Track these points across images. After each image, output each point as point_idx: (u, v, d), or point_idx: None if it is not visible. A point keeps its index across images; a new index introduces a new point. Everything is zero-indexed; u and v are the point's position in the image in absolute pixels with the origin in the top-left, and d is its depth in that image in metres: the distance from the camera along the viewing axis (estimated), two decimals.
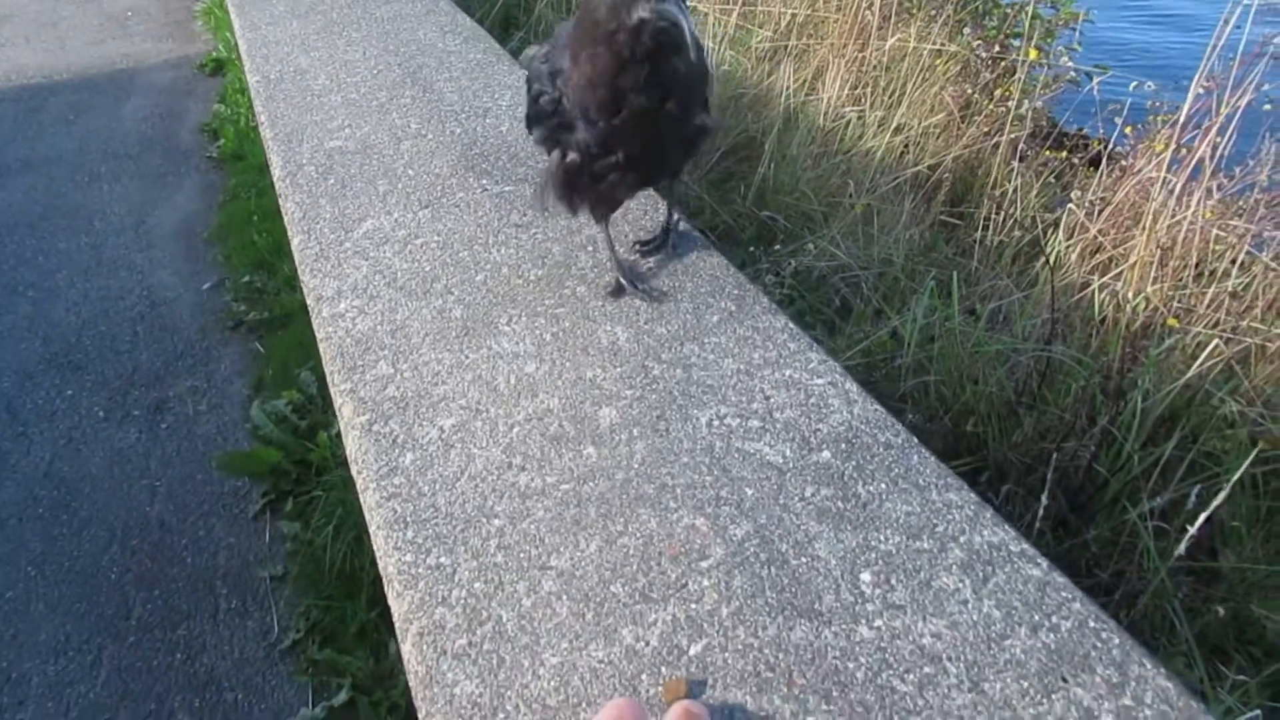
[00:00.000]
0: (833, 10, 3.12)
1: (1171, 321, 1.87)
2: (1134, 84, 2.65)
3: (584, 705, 0.69)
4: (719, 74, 2.92)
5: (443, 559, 0.82)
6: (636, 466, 0.90)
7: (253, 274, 2.82)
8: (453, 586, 0.79)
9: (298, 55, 1.96)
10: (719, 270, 1.20)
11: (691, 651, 0.72)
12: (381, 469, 0.92)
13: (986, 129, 2.90)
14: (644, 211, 1.33)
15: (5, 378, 2.47)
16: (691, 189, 2.55)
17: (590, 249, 1.24)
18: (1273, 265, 1.97)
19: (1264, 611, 1.42)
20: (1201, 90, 2.10)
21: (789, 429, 0.93)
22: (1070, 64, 3.12)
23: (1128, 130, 2.58)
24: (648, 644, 0.73)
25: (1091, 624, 0.73)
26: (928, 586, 0.76)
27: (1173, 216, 2.05)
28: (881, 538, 0.81)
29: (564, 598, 0.77)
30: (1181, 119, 2.14)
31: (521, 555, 0.81)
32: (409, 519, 0.86)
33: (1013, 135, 2.77)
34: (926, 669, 0.70)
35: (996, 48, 3.07)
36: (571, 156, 1.05)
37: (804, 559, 0.79)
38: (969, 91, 3.00)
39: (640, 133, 1.00)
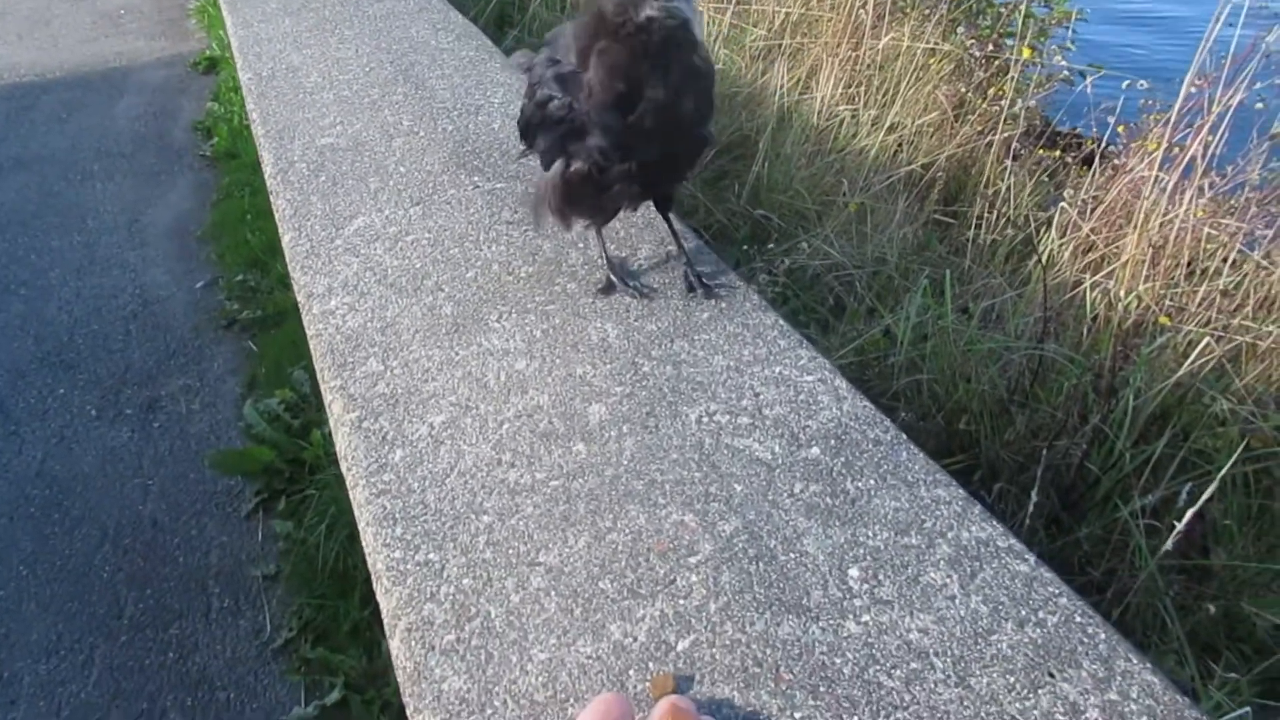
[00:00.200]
0: (827, 9, 3.13)
1: (1163, 320, 1.88)
2: (1126, 82, 2.66)
3: (572, 701, 0.69)
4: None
5: (431, 555, 0.82)
6: (626, 463, 0.90)
7: (246, 272, 2.81)
8: (441, 582, 0.79)
9: (290, 52, 1.95)
10: (708, 266, 1.20)
11: (679, 647, 0.72)
12: (371, 465, 0.92)
13: (980, 128, 2.90)
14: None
15: None
16: (685, 187, 2.55)
17: (581, 246, 1.24)
18: (1264, 264, 1.97)
19: (1254, 609, 1.42)
20: (1193, 89, 2.11)
21: (778, 425, 0.93)
22: (1064, 63, 3.12)
23: (1120, 129, 2.58)
24: (636, 640, 0.73)
25: (1078, 619, 0.73)
26: (915, 582, 0.76)
27: (1165, 215, 2.05)
28: (870, 533, 0.81)
29: (552, 594, 0.77)
30: (1173, 118, 2.15)
31: (510, 551, 0.81)
32: (398, 515, 0.86)
33: (1006, 134, 2.77)
34: (913, 664, 0.70)
35: (990, 47, 3.08)
36: (576, 166, 1.02)
37: (792, 555, 0.79)
38: (962, 90, 3.00)
39: (656, 132, 0.98)
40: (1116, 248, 2.16)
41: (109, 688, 1.68)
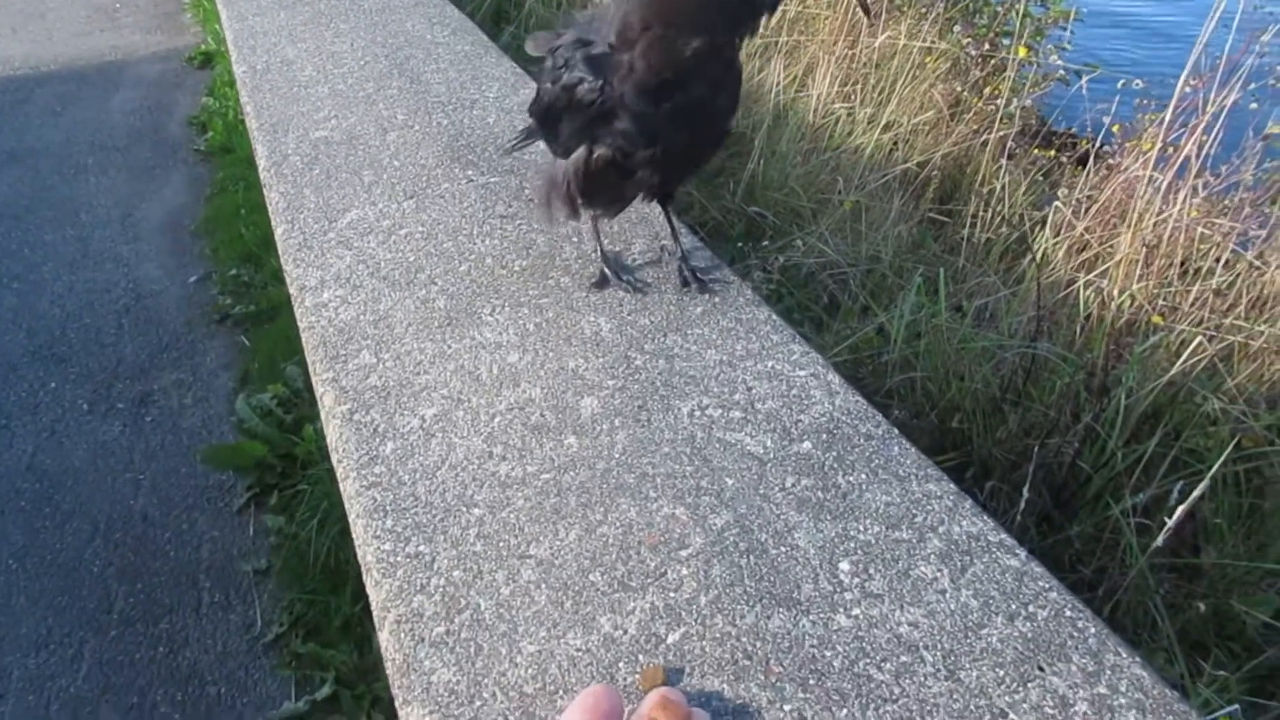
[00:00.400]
0: (823, 7, 3.13)
1: (1156, 319, 1.88)
2: (1122, 81, 2.66)
3: (561, 693, 0.69)
4: None
5: (422, 547, 0.81)
6: (617, 456, 0.89)
7: (240, 267, 2.81)
8: (431, 575, 0.79)
9: (285, 46, 1.95)
10: (703, 262, 1.20)
11: (669, 640, 0.72)
12: (362, 458, 0.92)
13: (975, 127, 2.90)
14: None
15: None
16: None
17: (575, 240, 1.24)
18: (1257, 264, 1.98)
19: (1244, 607, 1.42)
20: (1188, 89, 2.11)
21: (770, 420, 0.93)
22: (1060, 62, 3.13)
23: (1115, 129, 2.59)
24: (626, 632, 0.73)
25: (1068, 613, 0.73)
26: (906, 576, 0.76)
27: (1158, 215, 2.06)
28: (861, 527, 0.81)
29: (543, 586, 0.77)
30: (1168, 117, 2.15)
31: (501, 544, 0.81)
32: (388, 508, 0.86)
33: (1001, 133, 2.77)
34: (903, 657, 0.70)
35: (986, 46, 3.08)
36: (600, 152, 1.00)
37: (783, 548, 0.79)
38: (958, 89, 3.01)
39: (687, 122, 0.97)
40: (1110, 247, 2.16)
41: (99, 682, 1.68)
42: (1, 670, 1.70)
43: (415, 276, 1.18)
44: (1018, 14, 3.08)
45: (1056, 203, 2.37)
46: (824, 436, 0.91)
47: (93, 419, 2.29)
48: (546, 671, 0.70)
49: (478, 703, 0.69)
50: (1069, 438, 1.60)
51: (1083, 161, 2.69)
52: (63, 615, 1.80)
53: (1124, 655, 0.70)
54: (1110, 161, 2.44)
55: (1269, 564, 1.46)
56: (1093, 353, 1.76)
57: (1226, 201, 2.19)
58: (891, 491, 0.85)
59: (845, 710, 0.66)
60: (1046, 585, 0.75)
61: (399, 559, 0.80)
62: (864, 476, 0.87)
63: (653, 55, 0.94)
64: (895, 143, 2.84)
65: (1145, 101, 2.62)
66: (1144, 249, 2.02)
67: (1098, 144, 2.68)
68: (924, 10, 3.12)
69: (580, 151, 1.03)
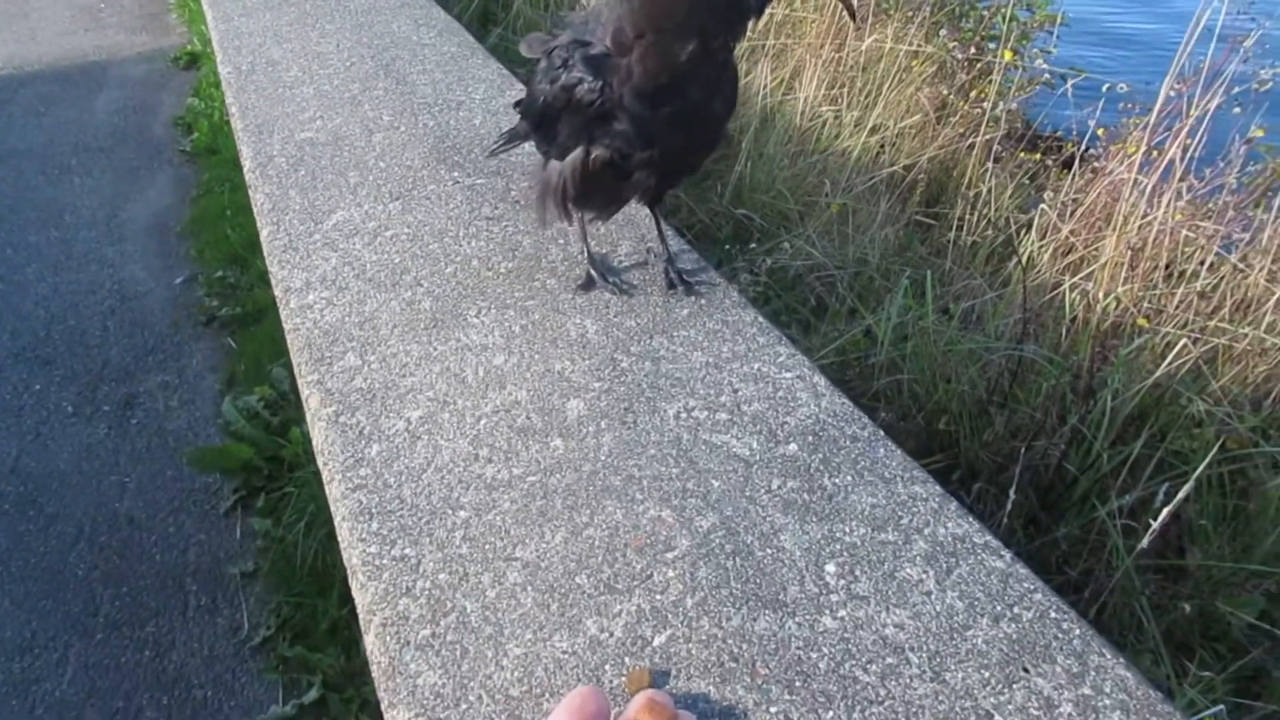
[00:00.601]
0: (810, 10, 3.13)
1: (1141, 321, 1.89)
2: (1107, 85, 2.68)
3: (547, 696, 0.69)
4: None
5: (407, 550, 0.81)
6: (603, 458, 0.89)
7: (226, 269, 2.79)
8: (417, 578, 0.79)
9: (270, 47, 1.94)
10: (690, 264, 1.20)
11: (656, 642, 0.72)
12: (347, 460, 0.91)
13: (962, 130, 2.92)
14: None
15: None
16: None
17: (561, 242, 1.24)
18: (1240, 266, 1.99)
19: (1229, 608, 1.43)
20: (1172, 93, 2.13)
21: (756, 422, 0.93)
22: (1045, 66, 3.14)
23: (1100, 132, 2.60)
24: (612, 635, 0.73)
25: (1053, 614, 0.73)
26: (891, 578, 0.76)
27: (1143, 218, 2.07)
28: (847, 529, 0.81)
29: (529, 589, 0.77)
30: (1153, 121, 2.17)
31: (487, 547, 0.81)
32: (374, 510, 0.85)
33: (988, 136, 2.78)
34: (889, 659, 0.70)
35: (972, 49, 3.09)
36: (598, 154, 1.01)
37: (769, 550, 0.79)
38: (945, 93, 3.02)
39: (683, 125, 0.98)
40: (1096, 250, 2.17)
41: (84, 686, 1.67)
42: None
43: (401, 278, 1.18)
44: (1004, 18, 3.09)
45: (1042, 206, 2.38)
46: (810, 438, 0.91)
47: (77, 421, 2.27)
48: (533, 674, 0.70)
49: (464, 705, 0.68)
50: (1055, 440, 1.60)
51: (1068, 165, 2.71)
52: (47, 619, 1.79)
53: (1109, 656, 0.70)
54: (1095, 165, 2.45)
55: (1254, 565, 1.47)
56: (1079, 355, 1.77)
57: (1210, 205, 2.20)
58: (877, 493, 0.85)
59: (831, 712, 0.66)
60: (1032, 587, 0.76)
61: (385, 562, 0.80)
62: (850, 478, 0.87)
63: (649, 60, 0.94)
64: (882, 146, 2.85)
65: (1130, 106, 2.63)
66: (1129, 252, 2.04)
67: (1083, 147, 2.69)
68: (910, 14, 3.13)
69: (578, 152, 1.03)
